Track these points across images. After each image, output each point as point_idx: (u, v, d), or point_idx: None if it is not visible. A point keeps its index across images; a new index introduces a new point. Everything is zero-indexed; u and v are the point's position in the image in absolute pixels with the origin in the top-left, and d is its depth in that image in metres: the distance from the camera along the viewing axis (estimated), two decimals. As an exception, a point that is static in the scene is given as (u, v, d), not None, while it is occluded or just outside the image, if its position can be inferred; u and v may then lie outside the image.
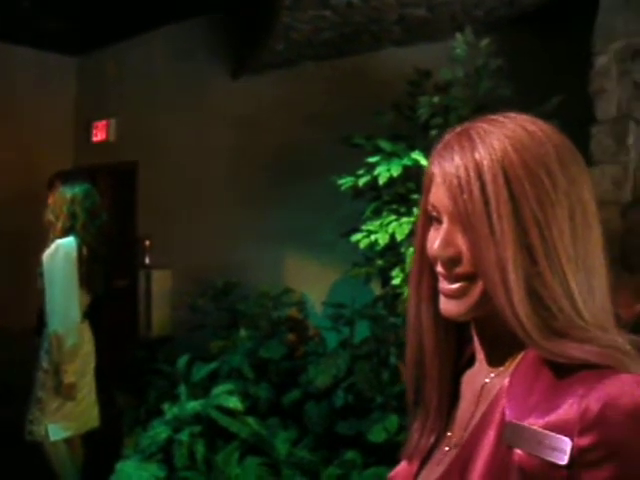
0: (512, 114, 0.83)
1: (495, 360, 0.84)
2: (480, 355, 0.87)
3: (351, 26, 3.78)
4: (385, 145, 2.98)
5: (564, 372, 0.74)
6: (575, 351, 0.73)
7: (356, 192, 3.08)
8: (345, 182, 3.04)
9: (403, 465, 0.93)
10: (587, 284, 0.77)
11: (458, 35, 3.01)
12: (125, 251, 5.21)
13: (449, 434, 0.88)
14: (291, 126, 4.48)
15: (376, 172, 2.87)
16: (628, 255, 2.71)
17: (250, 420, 2.94)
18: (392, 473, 0.94)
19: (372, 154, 3.01)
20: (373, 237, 2.83)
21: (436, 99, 2.93)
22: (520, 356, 0.80)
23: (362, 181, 2.95)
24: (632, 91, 2.74)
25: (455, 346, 0.92)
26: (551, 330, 0.74)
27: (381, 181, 2.85)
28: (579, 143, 2.34)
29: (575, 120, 2.72)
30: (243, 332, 3.63)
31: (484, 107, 2.91)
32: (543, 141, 0.78)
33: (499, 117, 0.82)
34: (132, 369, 4.47)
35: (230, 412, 2.95)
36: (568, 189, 0.76)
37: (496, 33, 3.32)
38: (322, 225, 4.08)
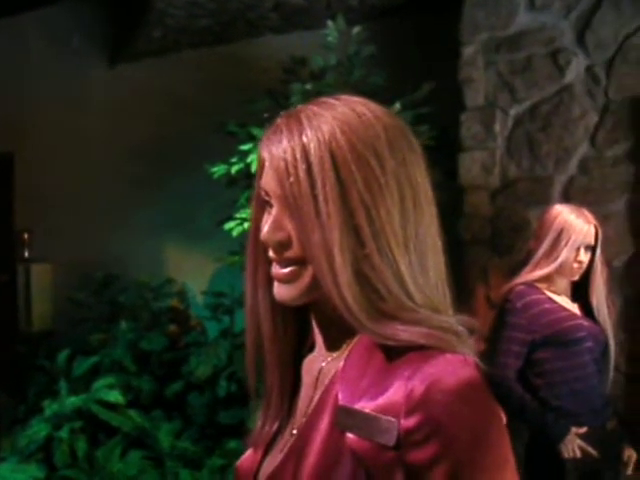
0: (345, 96, 0.82)
1: (332, 344, 0.85)
2: (319, 340, 0.88)
3: (227, 13, 3.75)
4: (258, 132, 2.97)
5: (395, 355, 0.75)
6: (403, 333, 0.74)
7: (230, 180, 3.07)
8: (218, 170, 3.02)
9: (249, 453, 0.93)
10: (420, 265, 0.77)
11: (330, 23, 3.04)
12: (4, 245, 5.00)
13: (293, 420, 0.89)
14: (169, 114, 4.41)
15: (249, 160, 2.87)
16: (497, 238, 2.84)
17: (132, 413, 2.90)
18: (239, 462, 0.94)
19: (246, 142, 3.00)
20: (246, 225, 2.82)
21: (309, 86, 2.95)
22: (355, 340, 0.80)
23: (235, 169, 2.94)
24: (497, 81, 2.87)
25: (296, 332, 0.92)
26: (380, 313, 0.75)
27: (254, 169, 2.85)
28: (453, 130, 2.42)
29: (450, 107, 2.83)
30: (124, 324, 3.56)
31: (358, 95, 2.96)
32: (372, 123, 0.77)
33: (331, 99, 0.81)
34: (12, 366, 4.30)
35: (112, 406, 2.90)
36: (397, 171, 0.76)
37: (370, 22, 3.38)
38: (201, 214, 4.05)
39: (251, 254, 0.87)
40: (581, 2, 2.75)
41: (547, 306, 2.38)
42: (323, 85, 3.06)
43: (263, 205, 0.83)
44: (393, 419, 0.70)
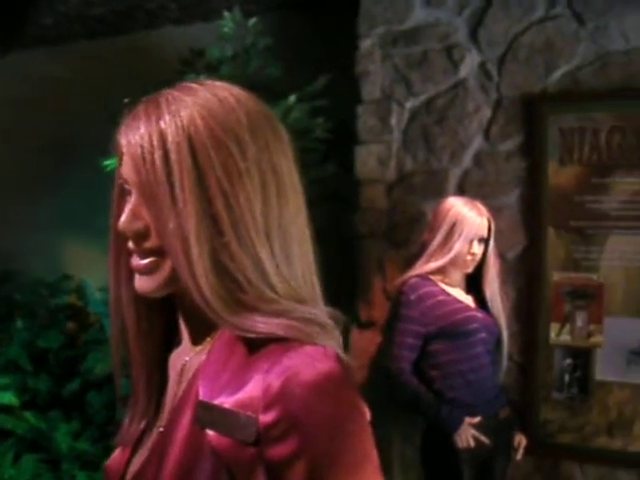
0: (208, 82, 0.80)
1: (196, 338, 0.82)
2: (184, 333, 0.84)
3: (123, 2, 3.63)
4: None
5: (255, 348, 0.72)
6: (262, 325, 0.71)
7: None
8: (110, 164, 2.90)
9: (117, 452, 0.89)
10: (284, 255, 0.75)
11: (226, 14, 2.99)
12: None
13: (161, 417, 0.85)
14: (64, 106, 4.23)
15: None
16: (393, 231, 2.84)
17: (28, 415, 2.75)
18: (108, 461, 0.90)
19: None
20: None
21: (203, 78, 2.87)
22: (218, 333, 0.77)
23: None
24: (393, 74, 2.87)
25: (163, 325, 0.88)
26: (239, 304, 0.72)
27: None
28: (351, 122, 2.39)
29: (348, 100, 2.81)
30: (19, 322, 3.38)
31: (254, 86, 2.91)
32: (234, 108, 0.75)
33: (194, 84, 0.79)
34: None
35: (5, 408, 2.73)
36: (259, 158, 0.74)
37: (268, 13, 3.34)
38: (98, 208, 3.87)
39: (113, 246, 0.84)
40: (474, 0, 2.79)
41: (441, 298, 2.40)
42: (219, 77, 2.98)
43: (124, 194, 0.79)
44: (252, 414, 0.68)
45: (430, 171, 2.83)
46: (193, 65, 3.24)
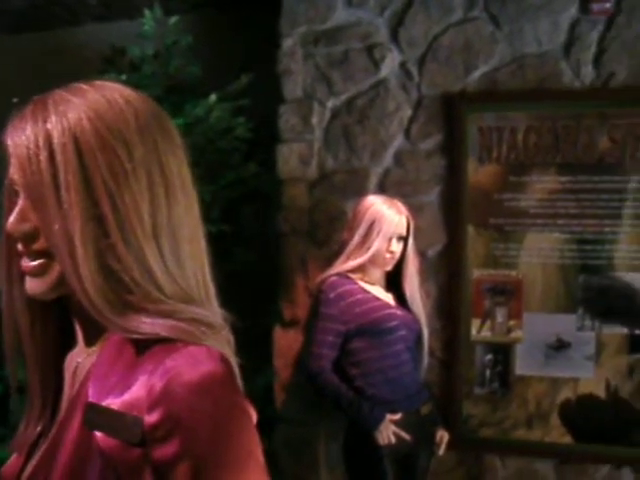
0: (99, 82, 0.80)
1: (90, 339, 0.82)
2: (79, 334, 0.84)
3: (43, -3, 3.54)
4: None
5: (143, 349, 0.72)
6: (146, 326, 0.71)
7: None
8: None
9: (13, 457, 0.88)
10: (174, 255, 0.76)
11: (147, 12, 2.94)
12: None
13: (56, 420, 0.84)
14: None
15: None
16: (315, 230, 2.84)
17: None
18: (4, 467, 0.88)
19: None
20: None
21: (123, 77, 2.83)
22: (109, 334, 0.77)
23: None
24: (315, 73, 2.87)
25: (58, 328, 0.87)
26: (126, 305, 0.72)
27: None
28: (273, 121, 2.37)
29: (270, 100, 2.79)
30: None
31: (175, 85, 2.88)
32: (122, 109, 0.75)
33: (84, 85, 0.79)
34: None
35: None
36: (147, 159, 0.74)
37: (190, 12, 3.30)
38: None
39: (4, 248, 0.83)
40: (394, 0, 2.81)
41: (360, 296, 2.40)
42: (141, 76, 2.94)
43: (13, 196, 0.79)
44: (137, 416, 0.68)
45: (351, 170, 2.83)
46: (115, 63, 3.18)
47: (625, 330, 2.71)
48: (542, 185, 2.72)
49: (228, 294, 2.69)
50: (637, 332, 2.71)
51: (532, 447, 2.81)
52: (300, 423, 2.94)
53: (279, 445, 2.97)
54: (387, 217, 2.44)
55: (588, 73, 2.73)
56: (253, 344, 2.92)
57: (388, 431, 2.39)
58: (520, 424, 2.81)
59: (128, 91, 0.78)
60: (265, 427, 2.99)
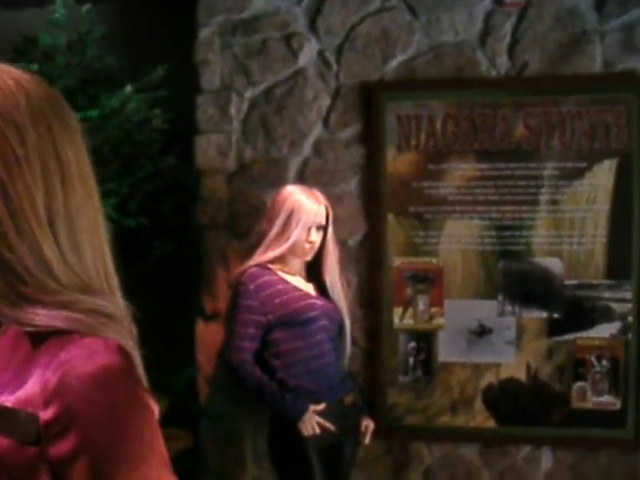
0: None
1: None
2: None
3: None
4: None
5: (39, 342, 0.69)
6: (42, 318, 0.68)
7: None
8: None
9: None
10: (71, 245, 0.72)
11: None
12: None
13: None
14: None
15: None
16: (234, 222, 2.80)
17: None
18: None
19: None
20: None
21: (34, 67, 2.73)
22: (4, 328, 0.74)
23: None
24: (233, 63, 2.83)
25: None
26: (21, 297, 0.69)
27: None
28: (191, 112, 2.31)
29: (189, 90, 2.73)
30: None
31: (91, 77, 2.81)
32: (13, 92, 0.71)
33: None
34: None
35: None
36: (41, 145, 0.70)
37: (106, 0, 3.21)
38: None
39: None
40: (312, -11, 2.79)
41: (280, 287, 2.38)
42: (54, 67, 2.85)
43: None
44: (32, 412, 0.65)
45: (270, 160, 2.81)
46: (27, 53, 3.07)
47: (544, 314, 2.76)
48: (460, 172, 2.74)
49: (150, 288, 2.62)
50: (555, 316, 2.75)
51: (457, 432, 2.84)
52: (225, 417, 2.90)
53: (205, 440, 2.93)
54: (306, 207, 2.42)
55: (503, 63, 2.76)
56: (178, 338, 2.87)
57: (312, 422, 2.37)
58: (444, 410, 2.83)
59: (20, 73, 0.74)
60: (190, 422, 2.94)
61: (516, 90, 2.73)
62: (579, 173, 2.71)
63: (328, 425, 2.39)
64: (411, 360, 2.80)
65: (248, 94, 2.84)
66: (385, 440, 2.87)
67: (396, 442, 2.89)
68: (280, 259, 2.46)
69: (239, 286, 2.42)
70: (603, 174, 2.71)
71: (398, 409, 2.84)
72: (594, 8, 2.73)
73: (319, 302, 2.47)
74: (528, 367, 2.78)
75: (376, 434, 2.71)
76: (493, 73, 2.76)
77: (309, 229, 2.42)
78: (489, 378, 2.79)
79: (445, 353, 2.79)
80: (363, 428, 2.60)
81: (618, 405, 2.77)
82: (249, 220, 2.81)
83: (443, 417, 2.83)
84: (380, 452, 2.89)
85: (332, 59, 2.81)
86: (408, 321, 2.78)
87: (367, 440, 2.61)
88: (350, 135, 2.80)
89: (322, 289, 2.53)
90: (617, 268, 2.72)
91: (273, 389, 2.36)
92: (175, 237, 3.04)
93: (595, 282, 2.72)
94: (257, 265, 2.43)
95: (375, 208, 2.76)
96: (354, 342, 2.80)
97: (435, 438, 2.86)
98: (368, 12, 2.80)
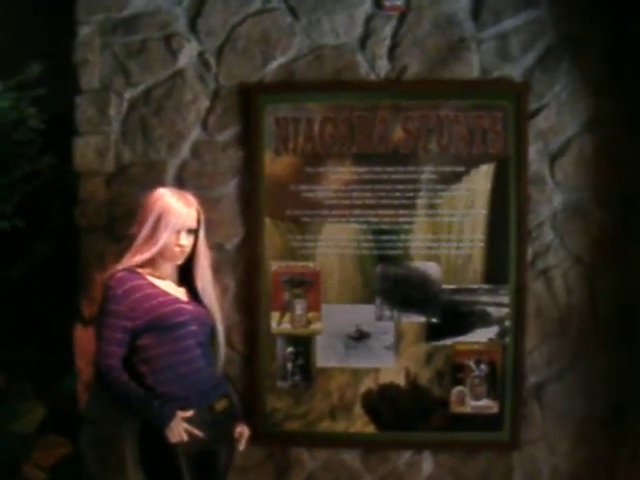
0: None
1: None
2: None
3: None
4: None
5: None
6: None
7: None
8: None
9: None
10: None
11: None
12: None
13: None
14: None
15: None
16: (113, 224, 2.75)
17: None
18: None
19: None
20: None
21: None
22: None
23: None
24: (113, 63, 2.78)
25: None
26: None
27: None
28: (71, 113, 2.25)
29: (70, 90, 2.68)
30: None
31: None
32: None
33: None
34: None
35: None
36: None
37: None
38: None
39: None
40: (193, -11, 2.76)
41: (149, 291, 2.34)
42: None
43: None
44: None
45: (148, 162, 2.77)
46: None
47: (422, 319, 2.75)
48: (338, 176, 2.72)
49: (34, 290, 2.54)
50: (434, 320, 2.74)
51: (337, 438, 2.82)
52: (104, 423, 2.85)
53: (84, 446, 2.87)
54: (175, 210, 2.38)
55: (383, 66, 2.75)
56: (65, 342, 2.81)
57: (179, 429, 2.33)
58: (324, 416, 2.81)
59: None
60: (71, 429, 2.88)
61: (395, 93, 2.71)
62: (457, 177, 2.70)
63: (196, 432, 2.35)
64: (289, 365, 2.77)
65: (127, 95, 2.79)
66: (265, 446, 2.85)
67: (277, 448, 2.86)
68: (150, 263, 2.41)
69: (107, 290, 2.37)
70: (480, 179, 2.70)
71: (277, 414, 2.81)
72: (471, 16, 2.73)
73: (189, 307, 2.43)
74: (407, 372, 2.76)
75: (256, 440, 2.68)
76: (372, 76, 2.75)
77: (178, 232, 2.38)
78: (368, 383, 2.78)
79: (323, 358, 2.77)
80: (237, 434, 2.56)
81: (496, 409, 2.77)
82: (127, 223, 2.75)
83: (323, 422, 2.80)
84: (261, 458, 2.87)
85: (212, 60, 2.78)
86: (286, 326, 2.76)
87: (242, 446, 2.57)
88: (228, 137, 2.76)
89: (195, 294, 2.49)
90: (494, 273, 2.72)
91: (140, 395, 2.32)
92: (61, 239, 2.98)
93: (473, 286, 2.72)
94: (126, 269, 2.38)
95: (252, 212, 2.73)
96: (232, 347, 2.77)
97: (316, 444, 2.84)
98: (249, 13, 2.77)
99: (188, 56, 2.79)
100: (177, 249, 2.40)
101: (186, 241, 2.42)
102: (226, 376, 2.63)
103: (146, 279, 2.41)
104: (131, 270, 2.40)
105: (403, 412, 2.79)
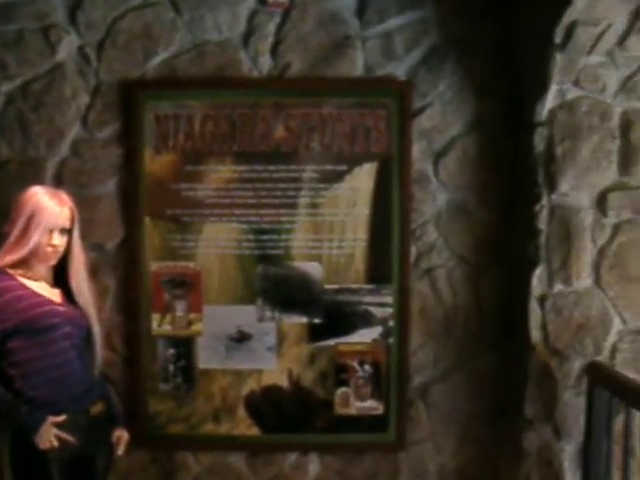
0: None
1: None
2: None
3: None
4: None
5: None
6: None
7: None
8: None
9: None
10: None
11: None
12: None
13: None
14: None
15: None
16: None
17: None
18: None
19: None
20: None
21: None
22: None
23: None
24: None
25: None
26: None
27: None
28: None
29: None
30: None
31: None
32: None
33: None
34: None
35: None
36: None
37: None
38: None
39: None
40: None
41: (19, 293, 2.26)
42: None
43: None
44: None
45: (27, 160, 2.69)
46: None
47: (304, 319, 2.71)
48: (219, 174, 2.68)
49: None
50: (315, 321, 2.71)
51: (222, 441, 2.78)
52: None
53: (-38, 453, 2.78)
54: (47, 209, 2.30)
55: (266, 63, 2.71)
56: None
57: (49, 434, 2.26)
58: (207, 418, 2.77)
59: None
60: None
61: (277, 91, 2.68)
62: (339, 176, 2.67)
63: (68, 437, 2.28)
64: (171, 367, 2.72)
65: (4, 88, 2.71)
66: (149, 450, 2.79)
67: (161, 451, 2.81)
68: (23, 264, 2.33)
69: (-25, 292, 2.29)
70: (363, 177, 2.68)
71: (160, 417, 2.75)
72: (356, 14, 2.70)
73: (62, 308, 2.36)
74: (290, 373, 2.73)
75: (139, 444, 2.63)
76: (255, 73, 2.70)
77: (51, 232, 2.31)
78: (251, 385, 2.74)
79: (205, 360, 2.72)
80: (115, 439, 2.50)
81: (381, 409, 2.75)
82: (4, 222, 2.68)
83: (206, 425, 2.76)
84: (145, 462, 2.81)
85: (92, 55, 2.71)
86: (166, 327, 2.71)
87: (120, 451, 2.51)
88: (108, 135, 2.70)
89: (71, 295, 2.42)
90: (377, 272, 2.70)
91: (7, 400, 2.24)
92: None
93: (355, 287, 2.69)
94: (-5, 270, 2.31)
95: (132, 211, 2.68)
96: (113, 349, 2.71)
97: (200, 447, 2.79)
98: (130, 7, 2.71)
99: (67, 49, 2.72)
100: (49, 249, 2.33)
101: (58, 241, 2.34)
102: (107, 378, 2.57)
103: (17, 280, 2.34)
104: (1, 271, 2.32)
105: (287, 414, 2.76)
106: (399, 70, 2.70)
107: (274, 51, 2.70)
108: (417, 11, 2.70)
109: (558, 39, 2.38)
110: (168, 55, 2.71)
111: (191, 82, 2.68)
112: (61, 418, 2.29)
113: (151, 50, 2.71)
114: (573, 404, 2.56)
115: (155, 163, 2.67)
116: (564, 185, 2.51)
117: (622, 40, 2.39)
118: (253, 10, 2.71)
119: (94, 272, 2.49)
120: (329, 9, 2.70)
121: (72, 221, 2.38)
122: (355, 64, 2.70)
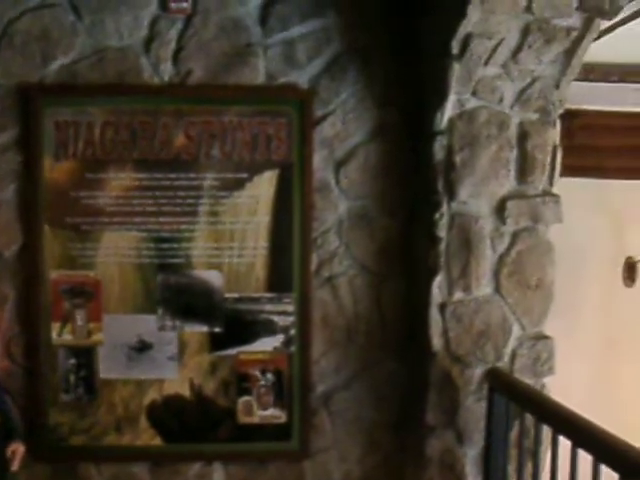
0: None
1: None
2: None
3: None
4: None
5: None
6: None
7: None
8: None
9: None
10: None
11: None
12: None
13: None
14: None
15: None
16: None
17: None
18: None
19: None
20: None
21: None
22: None
23: None
24: None
25: None
26: None
27: None
28: None
29: None
30: None
31: None
32: None
33: None
34: None
35: None
36: None
37: None
38: None
39: None
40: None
41: None
42: None
43: None
44: None
45: None
46: None
47: (205, 328, 2.70)
48: (119, 182, 2.65)
49: None
50: (216, 330, 2.70)
51: (124, 452, 2.75)
52: None
53: None
54: None
55: (167, 69, 2.69)
56: None
57: None
58: (110, 429, 2.74)
59: None
60: None
61: (178, 98, 2.66)
62: (239, 184, 2.67)
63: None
64: (72, 377, 2.69)
65: None
66: (50, 462, 2.75)
67: (62, 464, 2.77)
68: None
69: None
70: (264, 185, 2.68)
71: (62, 429, 2.72)
72: (258, 22, 2.69)
73: None
74: (192, 383, 2.72)
75: (40, 456, 2.59)
76: (156, 80, 2.68)
77: None
78: (152, 395, 2.72)
79: (106, 369, 2.69)
80: (9, 453, 2.44)
81: (284, 418, 2.75)
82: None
83: (109, 436, 2.73)
84: (47, 475, 2.77)
85: (-10, 57, 2.66)
86: (67, 337, 2.67)
87: (15, 466, 2.45)
88: (6, 140, 2.66)
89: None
90: (278, 281, 2.70)
91: None
92: None
93: (256, 295, 2.69)
94: None
95: (31, 219, 2.64)
96: (12, 359, 2.67)
97: (103, 458, 2.76)
98: (27, 8, 2.66)
99: (-36, 53, 2.67)
100: None
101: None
102: (6, 390, 2.52)
103: None
104: None
105: (190, 423, 2.74)
106: (301, 78, 2.70)
107: (176, 58, 2.69)
108: (320, 20, 2.70)
109: (455, 50, 2.39)
110: (68, 60, 2.68)
111: (91, 88, 2.66)
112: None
113: (50, 54, 2.67)
114: (474, 410, 2.58)
115: (55, 170, 2.64)
116: (463, 193, 2.53)
117: (515, 54, 2.41)
118: (155, 15, 2.69)
119: (-8, 280, 2.44)
120: (232, 16, 2.69)
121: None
122: (257, 72, 2.69)
